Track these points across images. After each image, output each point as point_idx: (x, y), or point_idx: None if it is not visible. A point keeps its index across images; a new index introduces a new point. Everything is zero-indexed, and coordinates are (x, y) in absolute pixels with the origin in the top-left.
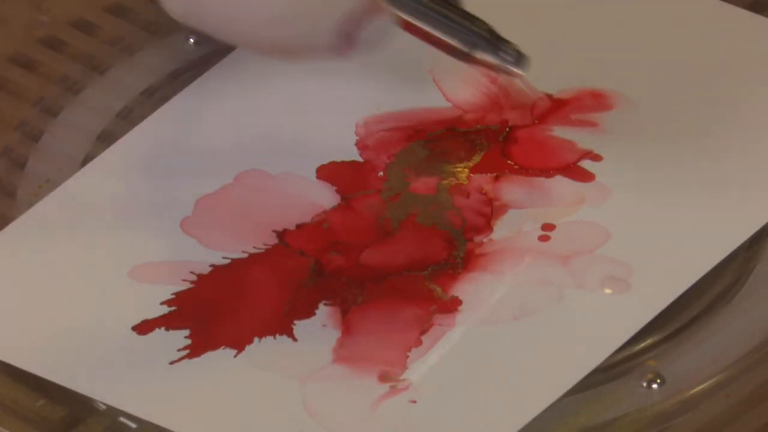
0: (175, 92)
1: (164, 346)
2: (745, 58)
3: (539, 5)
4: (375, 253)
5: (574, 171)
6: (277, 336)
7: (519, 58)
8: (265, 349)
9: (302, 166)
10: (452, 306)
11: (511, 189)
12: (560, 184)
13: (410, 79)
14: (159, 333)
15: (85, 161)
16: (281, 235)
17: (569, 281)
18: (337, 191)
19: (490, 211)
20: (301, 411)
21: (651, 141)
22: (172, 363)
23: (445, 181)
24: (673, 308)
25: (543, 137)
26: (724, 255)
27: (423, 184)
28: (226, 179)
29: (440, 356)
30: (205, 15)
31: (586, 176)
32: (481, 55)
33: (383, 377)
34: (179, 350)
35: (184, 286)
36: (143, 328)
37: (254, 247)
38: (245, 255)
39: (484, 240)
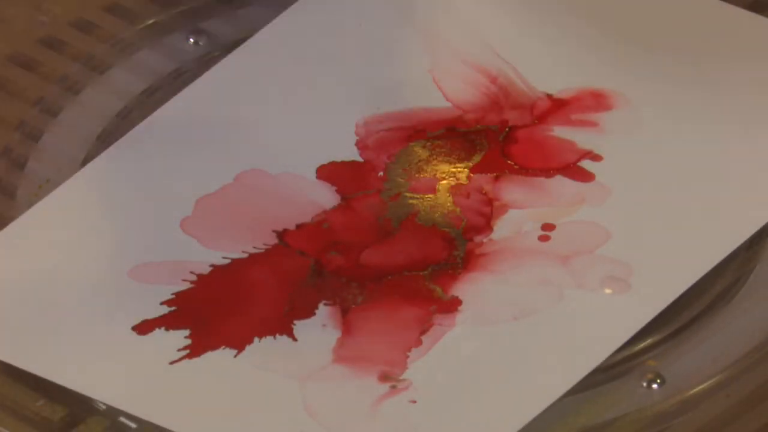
0: (175, 92)
1: (164, 346)
2: (745, 58)
3: (539, 5)
4: (375, 253)
5: (574, 171)
6: (277, 336)
7: None
8: (265, 349)
9: (302, 166)
10: (452, 306)
11: (511, 189)
12: (560, 184)
13: (410, 79)
14: (159, 333)
15: (85, 161)
16: (281, 235)
17: (569, 281)
18: (337, 191)
19: (490, 211)
20: (301, 411)
21: (651, 141)
22: (172, 363)
23: (445, 181)
24: (673, 308)
25: (543, 137)
26: (724, 255)
27: (423, 184)
28: (226, 179)
29: (440, 356)
30: None
31: (586, 176)
32: None
33: (383, 377)
34: (179, 350)
35: (184, 286)
36: (143, 328)
37: (254, 247)
38: (245, 255)
39: (484, 240)
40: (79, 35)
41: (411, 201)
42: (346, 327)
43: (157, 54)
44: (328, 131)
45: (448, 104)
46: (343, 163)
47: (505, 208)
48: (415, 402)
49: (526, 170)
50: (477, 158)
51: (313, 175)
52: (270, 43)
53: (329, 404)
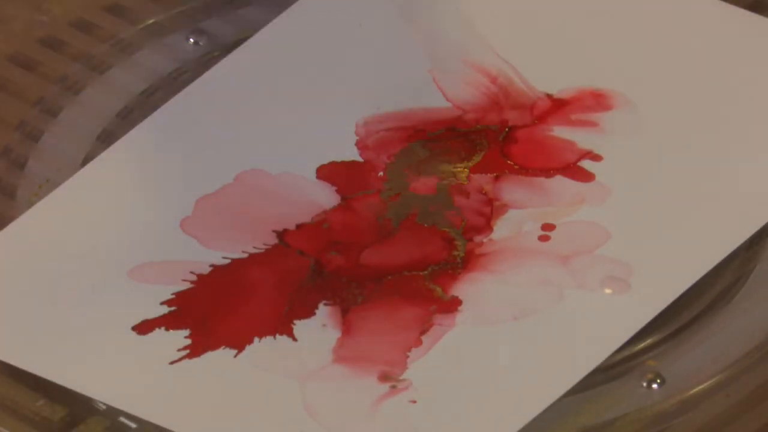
0: (175, 92)
1: (164, 346)
2: (745, 58)
3: (540, 5)
4: (375, 253)
5: (574, 171)
6: (277, 336)
7: None
8: (265, 349)
9: (302, 166)
10: (452, 306)
11: (511, 189)
12: (560, 184)
13: (410, 79)
14: (159, 333)
15: (85, 161)
16: (281, 235)
17: (569, 281)
18: (337, 191)
19: (490, 211)
20: (301, 411)
21: (651, 141)
22: (172, 363)
23: (445, 181)
24: (673, 308)
25: (543, 137)
26: (724, 255)
27: (423, 184)
28: (226, 179)
29: (440, 356)
30: None
31: (586, 176)
32: None
33: (383, 377)
34: (179, 350)
35: (184, 286)
36: (143, 328)
37: (254, 247)
38: (245, 255)
39: (484, 240)
40: (79, 35)
41: (411, 201)
42: (346, 327)
43: (157, 54)
44: (328, 131)
45: (448, 104)
46: (343, 163)
47: (505, 208)
48: (415, 402)
49: (526, 170)
50: (477, 158)
51: (313, 175)
52: (270, 43)
53: (329, 404)
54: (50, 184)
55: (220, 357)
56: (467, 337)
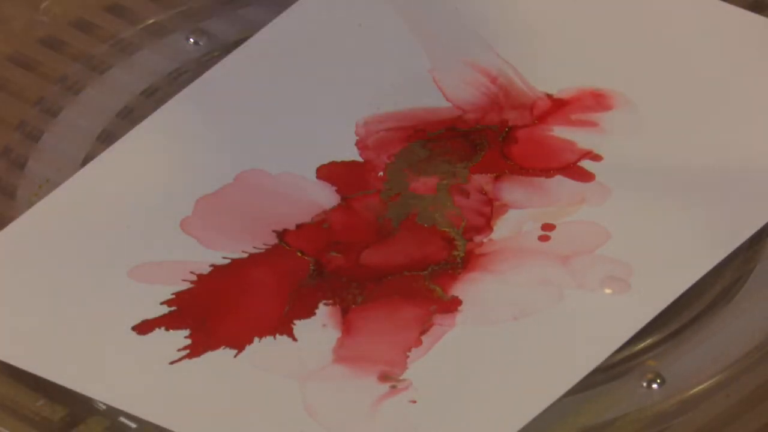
0: (175, 92)
1: (164, 346)
2: (745, 58)
3: (540, 5)
4: (375, 253)
5: (574, 171)
6: (277, 336)
7: None
8: (265, 349)
9: (302, 166)
10: (452, 306)
11: (511, 189)
12: (560, 184)
13: (410, 79)
14: (159, 333)
15: (85, 161)
16: (281, 235)
17: (569, 281)
18: (337, 191)
19: (490, 211)
20: (301, 411)
21: (651, 141)
22: (172, 363)
23: (445, 181)
24: (673, 308)
25: (543, 137)
26: (724, 255)
27: (423, 184)
28: (226, 179)
29: (440, 356)
30: None
31: (586, 176)
32: None
33: (383, 377)
34: (179, 350)
35: (184, 286)
36: (143, 328)
37: (254, 247)
38: (245, 255)
39: (484, 240)
40: (79, 35)
41: (411, 201)
42: (346, 327)
43: (157, 54)
44: (328, 131)
45: (448, 104)
46: (343, 163)
47: (505, 208)
48: (415, 402)
49: (526, 170)
50: (477, 158)
51: (313, 175)
52: (270, 43)
53: (329, 404)
54: (50, 184)
55: (220, 357)
56: (467, 337)
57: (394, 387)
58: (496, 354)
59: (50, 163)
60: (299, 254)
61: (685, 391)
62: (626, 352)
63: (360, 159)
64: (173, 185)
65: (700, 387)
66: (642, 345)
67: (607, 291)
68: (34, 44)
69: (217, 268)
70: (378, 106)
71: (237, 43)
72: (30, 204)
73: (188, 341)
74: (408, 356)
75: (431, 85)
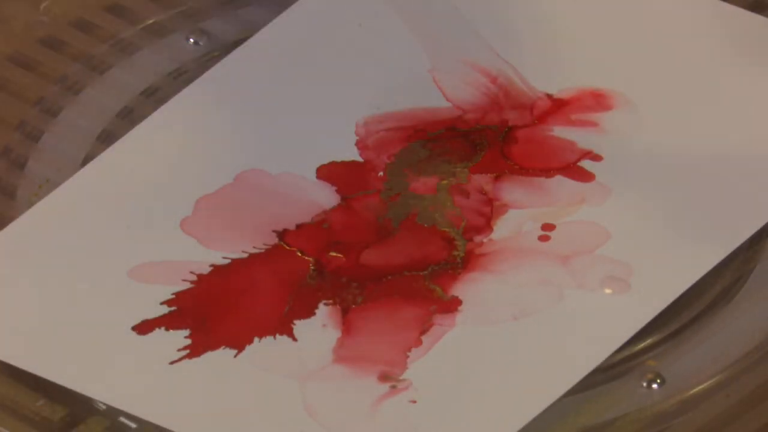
0: (175, 92)
1: (164, 346)
2: (745, 58)
3: (540, 5)
4: (375, 253)
5: (574, 171)
6: (277, 336)
7: None
8: (265, 349)
9: (302, 166)
10: (452, 306)
11: (511, 189)
12: (560, 184)
13: (410, 79)
14: (159, 333)
15: (85, 161)
16: (281, 235)
17: (569, 281)
18: (337, 191)
19: (490, 211)
20: (301, 411)
21: (651, 141)
22: (172, 363)
23: (445, 181)
24: (673, 308)
25: (543, 137)
26: (724, 255)
27: (423, 184)
28: (226, 179)
29: (440, 356)
30: None
31: (586, 176)
32: None
33: (383, 377)
34: (179, 350)
35: (184, 286)
36: (143, 328)
37: (254, 247)
38: (245, 255)
39: (484, 240)
40: (79, 35)
41: (411, 201)
42: (346, 327)
43: (157, 54)
44: (328, 131)
45: (448, 104)
46: (343, 163)
47: (505, 208)
48: (415, 402)
49: (526, 170)
50: (477, 158)
51: (313, 175)
52: (270, 43)
53: (329, 404)
54: (50, 184)
55: (220, 357)
56: (467, 337)
57: (394, 387)
58: (496, 354)
59: (50, 163)
60: (299, 254)
61: (685, 391)
62: (626, 352)
63: (360, 159)
64: (173, 185)
65: (700, 387)
66: (642, 345)
67: (607, 291)
68: (34, 44)
69: (217, 268)
70: (378, 106)
71: (237, 43)
72: (30, 204)
73: (188, 341)
74: (408, 356)
75: (431, 85)
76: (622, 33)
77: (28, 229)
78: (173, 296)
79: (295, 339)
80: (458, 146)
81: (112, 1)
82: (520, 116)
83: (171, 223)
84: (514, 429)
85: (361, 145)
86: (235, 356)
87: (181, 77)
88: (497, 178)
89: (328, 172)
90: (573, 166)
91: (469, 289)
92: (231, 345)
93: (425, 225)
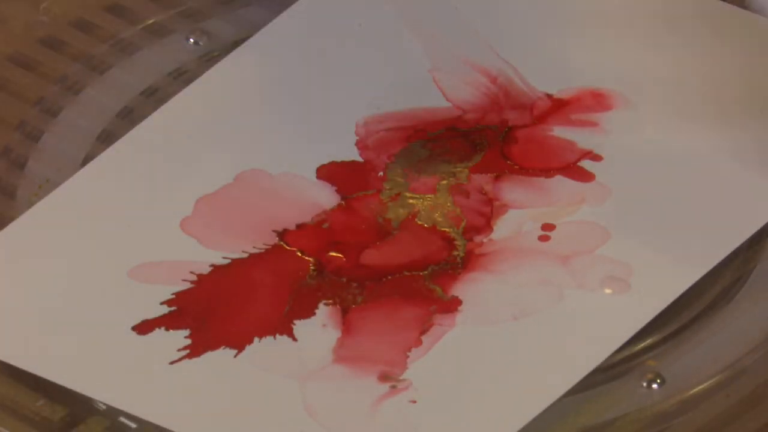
0: (175, 92)
1: (164, 346)
2: (745, 58)
3: (540, 5)
4: (375, 253)
5: (574, 171)
6: (277, 336)
7: None
8: (265, 349)
9: (302, 166)
10: (452, 306)
11: (511, 189)
12: (560, 184)
13: (410, 79)
14: (159, 333)
15: (85, 161)
16: (281, 235)
17: (569, 281)
18: (337, 191)
19: (490, 211)
20: (301, 411)
21: (651, 141)
22: (172, 363)
23: (445, 181)
24: (673, 308)
25: (543, 137)
26: (724, 255)
27: (423, 184)
28: (226, 179)
29: (440, 356)
30: None
31: (586, 176)
32: None
33: (383, 377)
34: (179, 350)
35: (184, 286)
36: (143, 328)
37: (254, 247)
38: (245, 255)
39: (484, 240)
40: (79, 35)
41: (411, 201)
42: (346, 327)
43: (157, 54)
44: (328, 131)
45: (448, 104)
46: (343, 163)
47: (505, 208)
48: (415, 402)
49: (526, 170)
50: (477, 158)
51: (313, 175)
52: (270, 43)
53: (329, 404)
54: (50, 184)
55: (220, 357)
56: (467, 337)
57: (394, 387)
58: (496, 354)
59: (50, 163)
60: (299, 254)
61: (685, 391)
62: (626, 352)
63: (360, 159)
64: (173, 185)
65: (700, 387)
66: (642, 345)
67: (607, 291)
68: (34, 44)
69: (217, 268)
70: (378, 106)
71: (237, 43)
72: (30, 204)
73: (188, 341)
74: (408, 356)
75: (431, 85)
76: (622, 33)
77: (28, 229)
78: (173, 296)
79: (295, 339)
80: (458, 146)
81: (112, 1)
82: (520, 116)
83: (171, 223)
84: (514, 429)
85: (361, 145)
86: (235, 356)
87: (181, 77)
88: (497, 178)
89: (328, 172)
90: (573, 166)
91: (469, 289)
92: (231, 345)
93: (425, 225)
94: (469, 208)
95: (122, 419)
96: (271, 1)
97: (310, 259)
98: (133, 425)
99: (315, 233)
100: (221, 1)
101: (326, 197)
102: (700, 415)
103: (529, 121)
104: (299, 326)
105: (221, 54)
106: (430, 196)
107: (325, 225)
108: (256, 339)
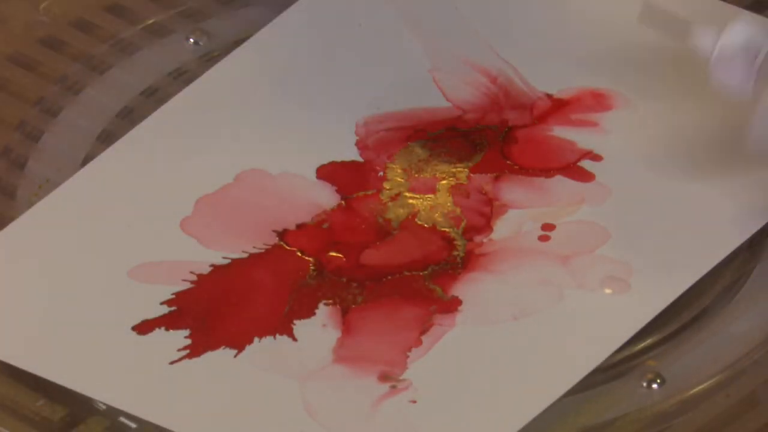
0: (175, 92)
1: (164, 346)
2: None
3: (540, 5)
4: (375, 253)
5: (574, 171)
6: (277, 336)
7: None
8: (265, 349)
9: (302, 166)
10: (452, 306)
11: (511, 189)
12: (560, 184)
13: (410, 79)
14: (159, 333)
15: (85, 161)
16: (281, 235)
17: (569, 281)
18: (337, 191)
19: (490, 211)
20: (301, 411)
21: (651, 141)
22: (172, 363)
23: (445, 181)
24: (673, 308)
25: (543, 137)
26: (724, 255)
27: (423, 184)
28: (226, 179)
29: (440, 356)
30: None
31: (586, 176)
32: None
33: (383, 377)
34: (179, 350)
35: (184, 286)
36: (143, 328)
37: (254, 247)
38: (245, 255)
39: (484, 240)
40: (79, 35)
41: (411, 201)
42: (346, 327)
43: (157, 54)
44: (328, 131)
45: (448, 104)
46: (343, 163)
47: (505, 208)
48: (415, 402)
49: (526, 170)
50: (477, 158)
51: (313, 175)
52: (270, 43)
53: (329, 404)
54: (50, 184)
55: (220, 357)
56: (467, 337)
57: (394, 387)
58: (496, 354)
59: (50, 163)
60: (299, 254)
61: (685, 391)
62: (626, 352)
63: (360, 159)
64: (173, 185)
65: (700, 387)
66: (642, 345)
67: (607, 291)
68: (34, 44)
69: (217, 268)
70: (378, 106)
71: (237, 43)
72: (30, 204)
73: (188, 341)
74: (408, 356)
75: (431, 85)
76: (623, 33)
77: (28, 229)
78: (173, 296)
79: (295, 339)
80: (458, 146)
81: (112, 1)
82: (520, 116)
83: (171, 223)
84: (514, 429)
85: (361, 145)
86: (235, 356)
87: (181, 77)
88: (497, 178)
89: (328, 172)
90: (573, 166)
91: (469, 289)
92: (231, 345)
93: (425, 225)
94: (469, 208)
95: (122, 419)
96: (271, 1)
97: (310, 259)
98: (133, 425)
99: (315, 233)
100: (221, 1)
101: (326, 197)
102: (700, 415)
103: (529, 121)
104: (299, 326)
105: (221, 54)
106: (430, 196)
107: (325, 225)
108: (256, 339)
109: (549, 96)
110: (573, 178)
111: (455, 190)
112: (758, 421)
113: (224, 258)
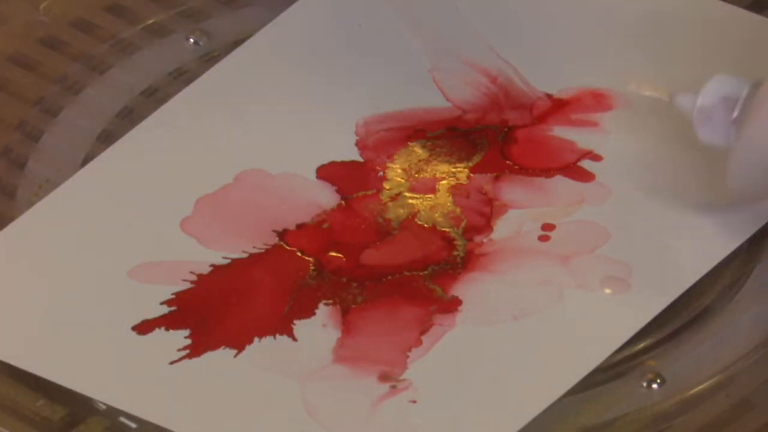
0: (175, 92)
1: (164, 346)
2: (745, 58)
3: (540, 5)
4: (375, 253)
5: (574, 171)
6: (277, 336)
7: None
8: (265, 349)
9: (302, 166)
10: (452, 306)
11: (511, 189)
12: (560, 184)
13: (410, 79)
14: (159, 333)
15: (85, 161)
16: (281, 235)
17: (569, 281)
18: (337, 191)
19: (490, 211)
20: (301, 411)
21: (651, 141)
22: (172, 363)
23: (445, 181)
24: (673, 308)
25: (543, 137)
26: (724, 255)
27: (423, 184)
28: (226, 179)
29: (440, 356)
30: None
31: (586, 176)
32: None
33: (383, 377)
34: (179, 350)
35: (184, 286)
36: (143, 328)
37: (254, 247)
38: (245, 255)
39: (484, 240)
40: (79, 35)
41: (411, 201)
42: (346, 327)
43: (157, 54)
44: (328, 131)
45: (448, 104)
46: (343, 163)
47: (505, 208)
48: (415, 402)
49: (526, 170)
50: (477, 158)
51: (313, 175)
52: (270, 43)
53: (329, 404)
54: (50, 184)
55: (220, 357)
56: (467, 337)
57: (394, 387)
58: (496, 354)
59: (50, 163)
60: (299, 254)
61: (685, 391)
62: (626, 352)
63: (360, 159)
64: (173, 185)
65: (700, 387)
66: (642, 345)
67: (607, 291)
68: (34, 44)
69: (217, 268)
70: (378, 106)
71: (237, 43)
72: (30, 204)
73: (188, 341)
74: (408, 356)
75: (431, 85)
76: (622, 33)
77: (28, 229)
78: (173, 296)
79: (295, 339)
80: (458, 146)
81: (112, 1)
82: (520, 116)
83: (171, 223)
84: (514, 429)
85: (361, 145)
86: (235, 356)
87: (181, 77)
88: (497, 178)
89: (328, 172)
90: (573, 166)
91: (469, 289)
92: (231, 345)
93: (425, 225)
94: (469, 208)
95: (122, 419)
96: (271, 1)
97: (310, 259)
98: (133, 425)
99: (315, 233)
100: (221, 1)
101: (326, 197)
102: (700, 415)
103: (529, 121)
104: (299, 326)
105: (221, 54)
106: (430, 196)
107: (325, 225)
108: (256, 339)
109: (549, 96)
110: (573, 178)
111: (455, 190)
112: (758, 421)
113: (224, 258)
